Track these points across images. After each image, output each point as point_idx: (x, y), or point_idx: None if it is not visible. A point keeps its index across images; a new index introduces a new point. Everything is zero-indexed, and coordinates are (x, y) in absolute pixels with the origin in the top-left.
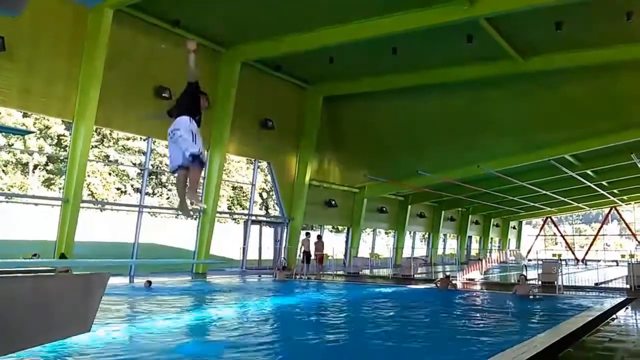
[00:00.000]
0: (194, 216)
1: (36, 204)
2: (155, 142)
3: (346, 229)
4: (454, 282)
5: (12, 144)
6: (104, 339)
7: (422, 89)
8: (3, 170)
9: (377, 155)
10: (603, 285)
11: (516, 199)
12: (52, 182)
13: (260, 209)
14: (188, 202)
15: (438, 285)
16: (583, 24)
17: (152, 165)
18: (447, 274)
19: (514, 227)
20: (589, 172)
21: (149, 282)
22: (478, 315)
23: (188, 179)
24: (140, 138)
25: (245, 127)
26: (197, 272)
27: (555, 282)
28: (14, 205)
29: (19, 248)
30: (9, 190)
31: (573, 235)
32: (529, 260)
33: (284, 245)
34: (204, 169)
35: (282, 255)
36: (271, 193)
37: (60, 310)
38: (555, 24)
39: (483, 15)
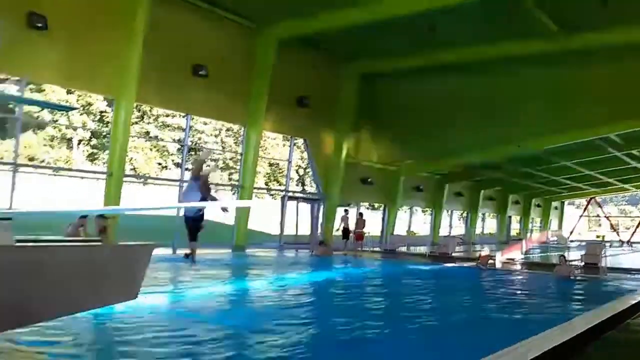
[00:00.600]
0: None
1: (82, 177)
2: (193, 119)
3: (382, 206)
4: (492, 260)
5: (57, 120)
6: (148, 307)
7: (462, 66)
8: (50, 145)
9: (415, 133)
10: None
11: (559, 179)
12: (96, 156)
13: (297, 185)
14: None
15: (479, 262)
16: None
17: (191, 141)
18: (488, 251)
19: (556, 208)
20: (634, 152)
21: (188, 254)
22: (517, 295)
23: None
24: (180, 115)
25: (282, 105)
26: (237, 245)
27: (599, 264)
28: (60, 178)
29: (66, 219)
30: (55, 164)
31: (618, 217)
32: (571, 241)
33: (320, 221)
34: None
35: (319, 231)
36: (307, 170)
37: (108, 278)
38: None
39: None
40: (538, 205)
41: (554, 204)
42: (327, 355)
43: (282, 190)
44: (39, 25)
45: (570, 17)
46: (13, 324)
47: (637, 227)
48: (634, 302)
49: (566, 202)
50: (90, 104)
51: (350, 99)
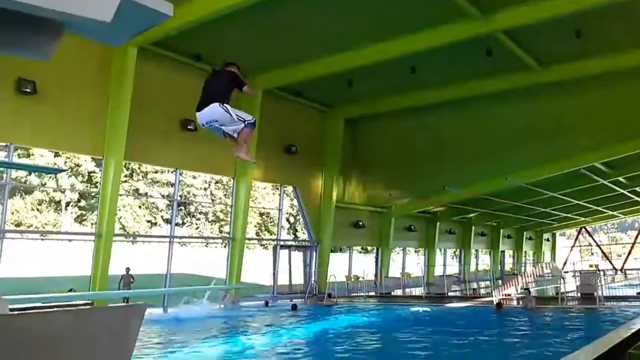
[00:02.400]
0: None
1: (70, 240)
2: (182, 173)
3: (375, 249)
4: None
5: (45, 183)
6: None
7: (443, 105)
8: (37, 209)
9: (402, 174)
10: None
11: (548, 210)
12: (84, 218)
13: (288, 233)
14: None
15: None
16: (603, 30)
17: (180, 196)
18: (527, 287)
19: (548, 239)
20: (621, 179)
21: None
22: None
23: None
24: (168, 170)
25: (270, 153)
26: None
27: (595, 294)
28: (49, 242)
29: (55, 284)
30: (44, 228)
31: (609, 245)
32: (565, 272)
33: (313, 269)
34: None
35: (313, 279)
36: (298, 217)
37: (99, 343)
38: (574, 32)
39: (499, 29)
40: (530, 239)
41: (546, 235)
42: None
43: (273, 240)
44: (28, 90)
45: (548, 52)
46: None
47: (629, 253)
48: (633, 330)
49: (557, 233)
50: (78, 165)
51: (336, 143)
